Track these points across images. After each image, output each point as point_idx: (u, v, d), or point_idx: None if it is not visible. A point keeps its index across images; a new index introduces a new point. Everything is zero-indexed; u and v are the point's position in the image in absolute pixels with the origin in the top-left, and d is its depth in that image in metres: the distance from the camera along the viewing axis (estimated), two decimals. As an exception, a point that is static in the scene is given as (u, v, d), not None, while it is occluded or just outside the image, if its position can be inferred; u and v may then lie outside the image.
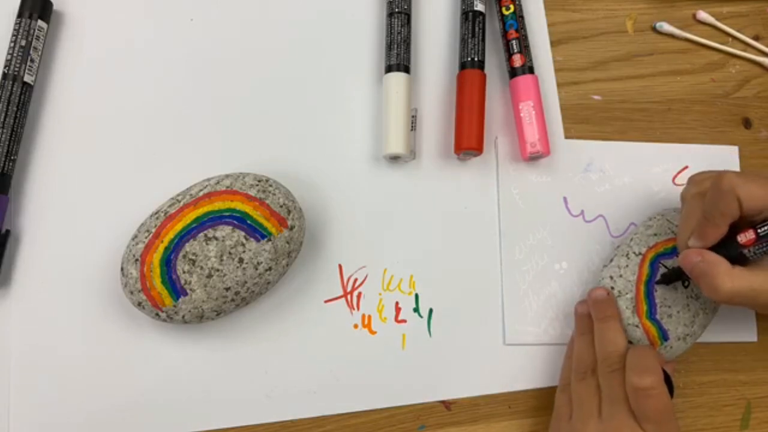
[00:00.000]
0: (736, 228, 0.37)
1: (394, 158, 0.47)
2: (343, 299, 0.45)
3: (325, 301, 0.45)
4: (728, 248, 0.37)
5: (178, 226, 0.40)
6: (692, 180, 0.41)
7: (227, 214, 0.40)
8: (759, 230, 0.36)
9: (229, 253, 0.39)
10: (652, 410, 0.37)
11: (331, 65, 0.49)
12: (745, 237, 0.36)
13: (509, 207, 0.48)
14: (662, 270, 0.43)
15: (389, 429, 0.44)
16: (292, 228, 0.41)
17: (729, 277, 0.36)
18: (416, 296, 0.46)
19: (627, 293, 0.43)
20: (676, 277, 0.42)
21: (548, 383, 0.45)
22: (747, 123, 0.52)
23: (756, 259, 0.37)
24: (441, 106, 0.49)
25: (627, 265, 0.43)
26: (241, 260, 0.40)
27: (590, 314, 0.43)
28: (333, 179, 0.47)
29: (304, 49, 0.49)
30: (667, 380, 0.38)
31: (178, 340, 0.43)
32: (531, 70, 0.48)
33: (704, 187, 0.39)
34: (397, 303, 0.45)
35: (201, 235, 0.40)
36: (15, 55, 0.44)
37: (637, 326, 0.42)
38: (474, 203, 0.48)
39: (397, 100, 0.46)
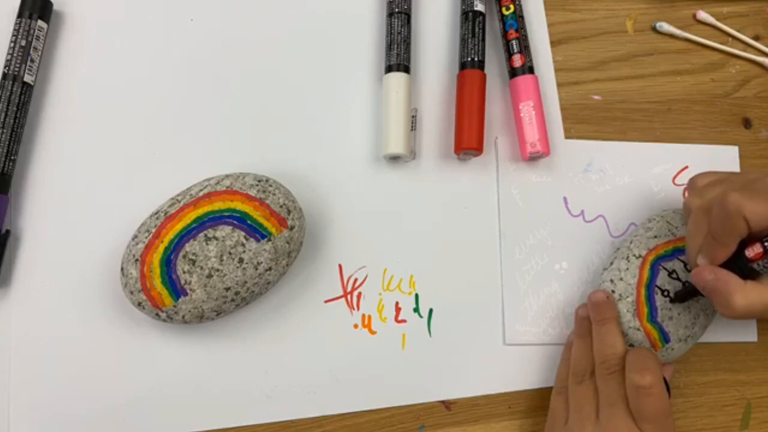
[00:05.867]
0: (743, 242, 0.37)
1: (394, 158, 0.47)
2: (343, 299, 0.45)
3: (325, 301, 0.45)
4: (737, 263, 0.37)
5: (178, 226, 0.40)
6: (694, 187, 0.41)
7: (227, 214, 0.40)
8: (766, 244, 0.36)
9: (229, 253, 0.39)
10: (652, 409, 0.37)
11: (331, 65, 0.49)
12: (753, 251, 0.36)
13: (509, 207, 0.48)
14: (663, 273, 0.43)
15: (389, 429, 0.44)
16: (292, 228, 0.41)
17: (742, 293, 0.36)
18: (416, 296, 0.46)
19: (628, 296, 0.42)
20: (691, 294, 0.41)
21: (548, 383, 0.45)
22: (747, 123, 0.52)
23: (766, 272, 0.37)
24: (441, 106, 0.49)
25: (627, 268, 0.43)
26: (241, 260, 0.40)
27: (590, 317, 0.43)
28: (333, 179, 0.47)
29: (304, 49, 0.49)
30: (665, 383, 0.38)
31: (178, 340, 0.43)
32: (531, 70, 0.48)
33: (707, 200, 0.39)
34: (397, 303, 0.45)
35: (201, 235, 0.40)
36: (15, 55, 0.44)
37: (638, 329, 0.42)
38: (474, 203, 0.48)
39: (397, 100, 0.46)
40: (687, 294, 0.42)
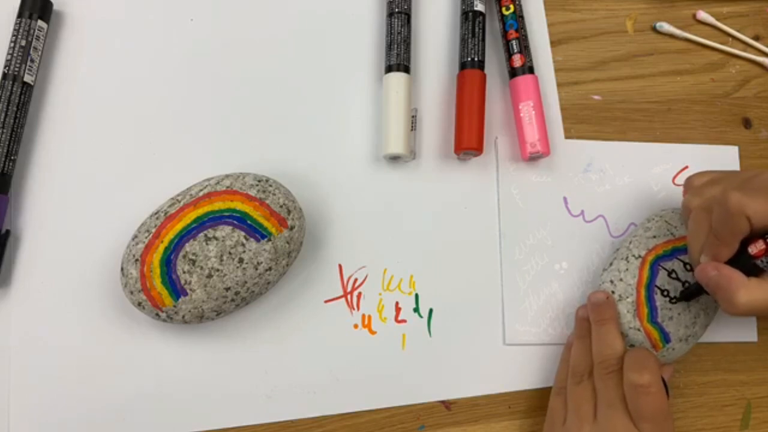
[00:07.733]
0: (745, 239, 0.37)
1: (394, 158, 0.47)
2: (343, 299, 0.45)
3: (325, 301, 0.45)
4: (740, 260, 0.37)
5: (178, 226, 0.40)
6: (692, 186, 0.41)
7: (227, 214, 0.40)
8: None
9: (229, 253, 0.39)
10: (650, 408, 0.37)
11: (331, 65, 0.49)
12: (756, 248, 0.36)
13: (509, 207, 0.48)
14: (662, 273, 0.43)
15: (389, 429, 0.44)
16: (292, 228, 0.41)
17: (745, 290, 0.36)
18: (416, 296, 0.46)
19: (628, 297, 0.42)
20: (696, 292, 0.41)
21: (548, 383, 0.45)
22: (747, 123, 0.52)
23: None
24: (441, 106, 0.49)
25: (627, 269, 0.43)
26: (241, 260, 0.40)
27: (589, 318, 0.43)
28: (333, 179, 0.47)
29: (305, 49, 0.49)
30: (663, 384, 0.38)
31: (178, 340, 0.43)
32: (531, 70, 0.48)
33: (707, 199, 0.39)
34: (397, 303, 0.45)
35: (201, 235, 0.40)
36: (15, 55, 0.44)
37: (638, 330, 0.42)
38: (474, 203, 0.48)
39: (397, 100, 0.46)
40: (692, 293, 0.41)
